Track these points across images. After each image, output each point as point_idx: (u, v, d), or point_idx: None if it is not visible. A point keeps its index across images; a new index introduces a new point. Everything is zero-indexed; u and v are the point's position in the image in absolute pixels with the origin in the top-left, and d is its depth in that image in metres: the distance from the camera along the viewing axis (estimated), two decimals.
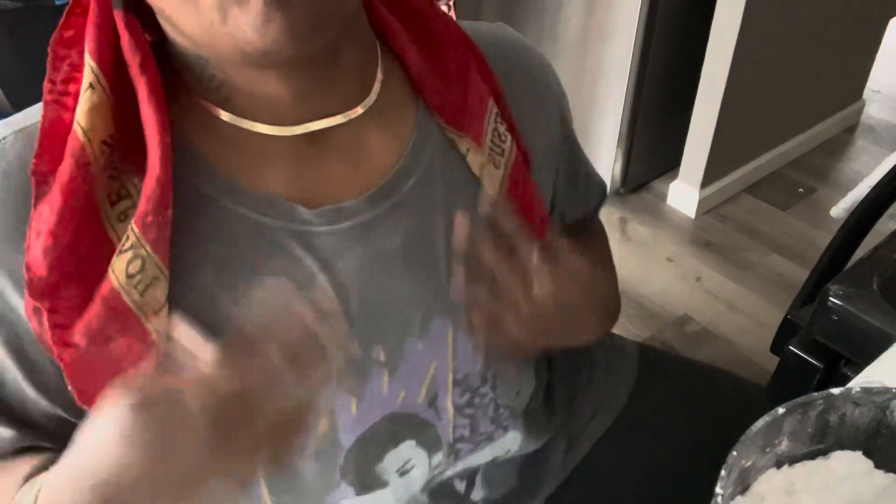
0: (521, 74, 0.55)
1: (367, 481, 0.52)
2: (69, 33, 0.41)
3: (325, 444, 0.49)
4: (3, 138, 0.42)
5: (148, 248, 0.40)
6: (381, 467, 0.52)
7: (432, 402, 0.52)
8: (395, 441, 0.52)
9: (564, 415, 0.69)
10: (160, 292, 0.41)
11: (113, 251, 0.40)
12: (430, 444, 0.53)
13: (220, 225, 0.43)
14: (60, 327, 0.40)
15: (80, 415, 0.46)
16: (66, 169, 0.38)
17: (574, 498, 0.72)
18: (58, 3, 1.40)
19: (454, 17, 0.52)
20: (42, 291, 0.38)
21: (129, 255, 0.40)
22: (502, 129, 0.51)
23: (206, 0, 0.35)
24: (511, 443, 0.60)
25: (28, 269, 0.39)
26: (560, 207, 0.64)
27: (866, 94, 2.46)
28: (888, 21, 2.27)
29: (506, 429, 0.58)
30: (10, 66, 1.51)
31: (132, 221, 0.40)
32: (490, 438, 0.57)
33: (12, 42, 1.49)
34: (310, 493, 0.50)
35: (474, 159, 0.50)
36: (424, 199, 0.49)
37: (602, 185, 0.70)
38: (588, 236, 0.72)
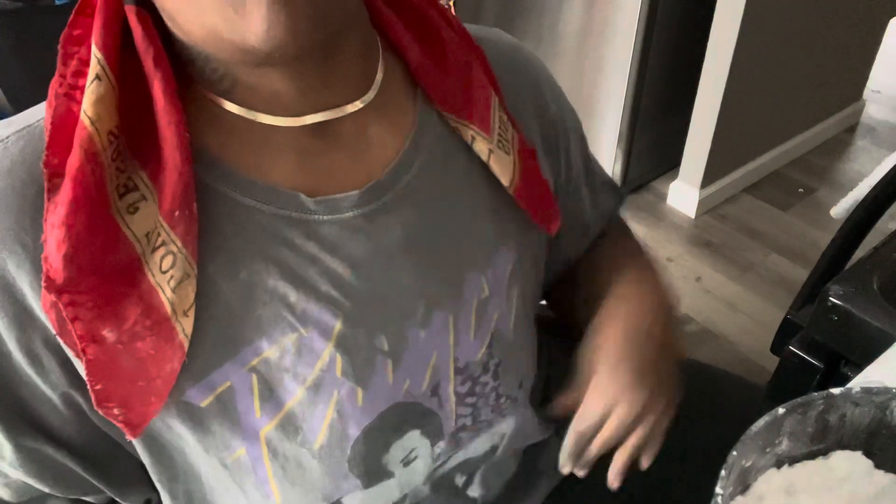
0: (512, 73, 0.56)
1: (374, 473, 0.52)
2: (78, 31, 0.41)
3: (333, 435, 0.49)
4: (6, 138, 0.42)
5: (178, 244, 0.40)
6: (387, 458, 0.52)
7: (435, 390, 0.52)
8: (400, 431, 0.52)
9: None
10: (190, 290, 0.41)
11: (125, 243, 0.40)
12: (434, 433, 0.54)
13: (222, 216, 0.43)
14: (83, 321, 0.39)
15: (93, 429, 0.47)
16: (75, 159, 0.38)
17: (571, 499, 0.72)
18: (58, 2, 1.40)
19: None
20: (59, 285, 0.38)
21: (161, 251, 0.40)
22: (505, 118, 0.52)
23: (210, 5, 0.35)
24: (506, 427, 0.60)
25: (45, 261, 0.38)
26: (581, 216, 0.65)
27: (866, 94, 2.46)
28: (888, 21, 2.28)
29: (504, 416, 0.59)
30: (10, 66, 1.50)
31: (160, 217, 0.40)
32: (490, 426, 0.58)
33: (12, 42, 1.49)
34: (318, 487, 0.50)
35: (482, 146, 0.50)
36: (426, 190, 0.49)
37: (615, 185, 0.70)
38: (619, 239, 0.72)
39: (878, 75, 2.43)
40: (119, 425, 0.43)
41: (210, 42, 0.38)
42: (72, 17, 0.41)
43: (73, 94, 0.40)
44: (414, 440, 0.53)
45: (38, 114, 0.43)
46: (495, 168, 0.51)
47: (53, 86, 0.40)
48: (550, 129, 0.59)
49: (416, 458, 0.54)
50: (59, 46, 0.41)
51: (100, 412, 0.42)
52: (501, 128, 0.51)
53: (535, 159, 0.54)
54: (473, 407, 0.55)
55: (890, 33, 2.31)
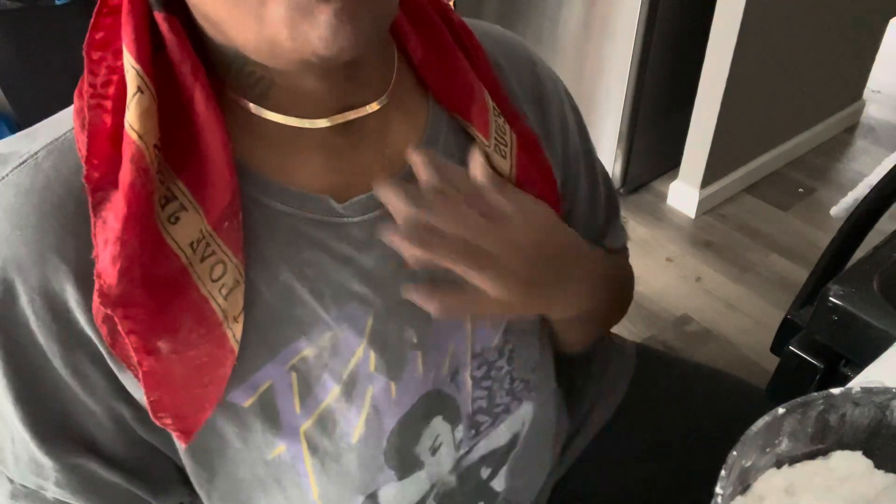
0: (517, 67, 0.57)
1: (407, 464, 0.53)
2: (100, 35, 0.40)
3: (370, 428, 0.50)
4: (35, 153, 0.41)
5: (229, 253, 0.41)
6: (418, 448, 0.53)
7: (453, 376, 0.53)
8: (427, 419, 0.53)
9: (563, 402, 0.69)
10: (240, 297, 0.42)
11: (170, 254, 0.40)
12: (453, 417, 0.55)
13: (258, 222, 0.44)
14: (138, 333, 0.39)
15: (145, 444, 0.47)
16: (126, 175, 0.37)
17: (571, 496, 0.72)
18: (58, 2, 1.40)
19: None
20: (114, 299, 0.38)
21: (211, 260, 0.40)
22: (501, 121, 0.52)
23: (272, 15, 0.34)
24: (525, 414, 0.61)
25: (98, 277, 0.38)
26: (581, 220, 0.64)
27: (866, 94, 2.46)
28: (888, 21, 2.28)
29: (520, 400, 0.59)
30: (10, 66, 1.51)
31: (207, 227, 0.40)
32: (507, 410, 0.58)
33: (12, 42, 1.49)
34: (355, 480, 0.51)
35: (482, 148, 0.51)
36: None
37: (613, 199, 0.69)
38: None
39: (878, 75, 2.43)
40: (174, 433, 0.44)
41: (264, 50, 0.37)
42: (93, 19, 0.40)
43: (103, 103, 0.39)
44: (438, 425, 0.54)
45: (63, 125, 0.42)
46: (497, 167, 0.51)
47: (82, 95, 0.39)
48: (548, 109, 0.59)
49: (440, 445, 0.55)
50: (83, 52, 0.39)
51: (155, 422, 0.42)
52: (498, 132, 0.51)
53: (538, 148, 0.55)
54: (489, 390, 0.56)
55: (890, 33, 2.31)
